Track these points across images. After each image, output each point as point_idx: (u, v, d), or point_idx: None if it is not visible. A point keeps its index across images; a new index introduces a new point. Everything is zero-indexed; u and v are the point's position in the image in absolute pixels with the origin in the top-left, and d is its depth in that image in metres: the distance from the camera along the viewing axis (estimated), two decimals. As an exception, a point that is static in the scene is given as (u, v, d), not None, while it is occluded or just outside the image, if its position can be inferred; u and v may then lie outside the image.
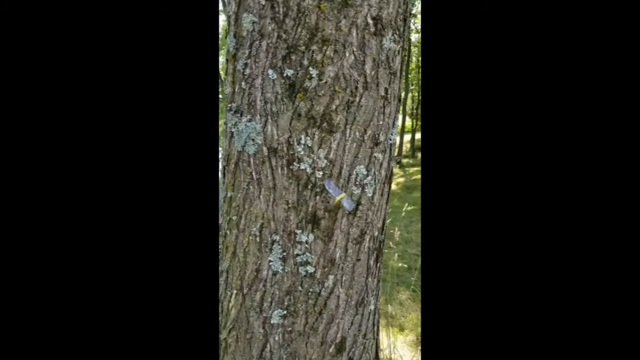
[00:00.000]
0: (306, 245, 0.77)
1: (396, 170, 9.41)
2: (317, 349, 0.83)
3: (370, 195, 0.79)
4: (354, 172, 0.76)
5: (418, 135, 13.96)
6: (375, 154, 0.78)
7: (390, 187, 0.87)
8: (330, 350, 0.84)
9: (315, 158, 0.73)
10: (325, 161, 0.74)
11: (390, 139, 0.82)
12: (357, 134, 0.75)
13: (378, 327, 0.96)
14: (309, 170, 0.74)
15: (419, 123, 15.70)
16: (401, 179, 7.95)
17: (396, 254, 2.59)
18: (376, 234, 0.84)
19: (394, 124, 0.82)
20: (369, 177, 0.78)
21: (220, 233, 0.85)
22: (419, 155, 11.39)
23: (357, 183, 0.77)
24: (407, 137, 11.64)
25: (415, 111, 13.86)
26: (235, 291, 0.81)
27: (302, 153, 0.73)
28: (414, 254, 3.55)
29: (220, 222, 0.87)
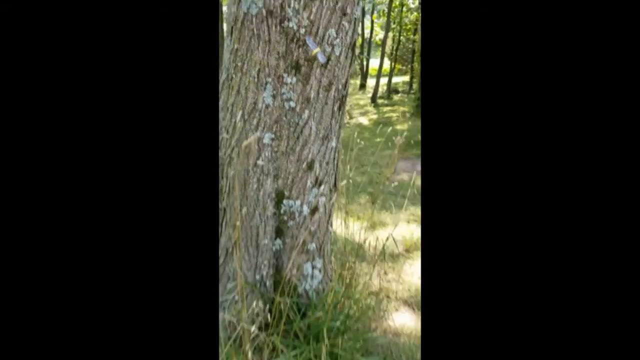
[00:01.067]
0: (290, 86, 1.10)
1: (370, 108, 9.71)
2: (294, 165, 1.20)
3: (337, 54, 1.11)
4: (327, 34, 1.07)
5: (395, 79, 14.06)
6: (343, 23, 1.09)
7: (353, 54, 1.19)
8: (303, 166, 1.21)
9: (300, 18, 1.03)
10: (307, 21, 1.04)
11: (355, 14, 1.12)
12: (331, 3, 1.04)
13: (337, 164, 1.34)
14: (295, 27, 1.04)
15: (397, 66, 15.68)
16: (374, 116, 8.31)
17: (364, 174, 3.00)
18: (340, 87, 1.18)
19: (358, 2, 1.11)
20: (338, 40, 1.09)
21: (225, 77, 1.15)
22: (394, 97, 11.67)
23: (329, 43, 1.08)
24: (384, 80, 11.77)
25: (395, 52, 13.82)
26: (238, 118, 1.15)
27: (291, 14, 1.03)
28: (375, 172, 4.00)
29: (222, 78, 1.17)
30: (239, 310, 1.20)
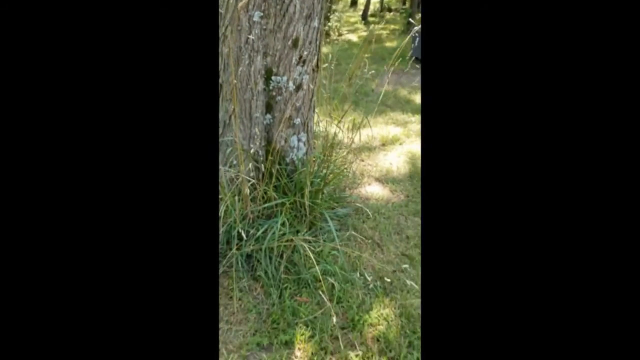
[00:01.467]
0: (276, -37, 1.22)
1: (360, 25, 9.34)
2: (280, 42, 1.37)
3: None
4: None
5: (388, -7, 13.19)
6: None
7: None
8: (289, 44, 1.38)
9: None
10: None
11: None
12: None
13: (319, 45, 1.51)
14: None
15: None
16: (364, 33, 8.06)
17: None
18: (322, -33, 1.30)
19: None
20: None
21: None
22: (386, 15, 11.13)
23: None
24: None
25: (389, -37, 12.74)
26: (230, -5, 1.28)
27: None
28: (361, 84, 4.12)
29: None
30: (238, 170, 1.47)
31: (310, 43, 1.43)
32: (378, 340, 1.16)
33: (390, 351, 1.12)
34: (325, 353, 1.12)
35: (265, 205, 1.48)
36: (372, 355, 1.11)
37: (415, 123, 2.91)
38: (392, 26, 8.94)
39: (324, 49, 6.02)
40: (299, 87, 1.49)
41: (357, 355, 1.11)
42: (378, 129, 2.77)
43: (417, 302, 1.29)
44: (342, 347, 1.14)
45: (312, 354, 1.12)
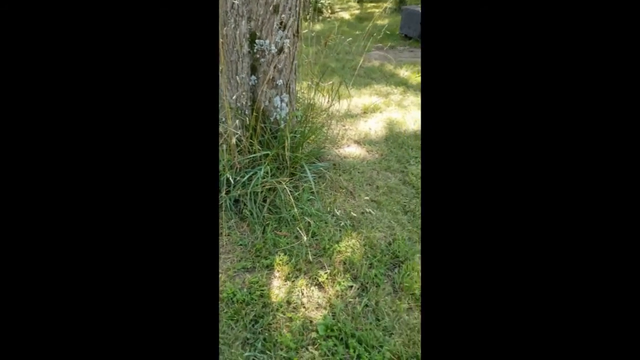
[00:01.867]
0: None
1: (353, 4, 9.32)
2: (263, 8, 1.53)
3: None
4: None
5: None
6: None
7: None
8: (270, 9, 1.54)
9: None
10: None
11: None
12: None
13: (299, 11, 1.66)
14: None
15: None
16: (357, 11, 8.08)
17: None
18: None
19: None
20: None
21: None
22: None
23: None
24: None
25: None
26: (216, -37, 1.43)
27: None
28: (349, 59, 4.25)
29: None
30: (226, 127, 1.64)
31: (289, 9, 1.59)
32: (344, 263, 1.37)
33: (354, 270, 1.34)
34: (300, 272, 1.33)
35: (251, 156, 1.67)
36: (337, 273, 1.32)
37: (397, 94, 3.08)
38: (385, 4, 8.94)
39: (317, 26, 6.08)
40: (280, 50, 1.66)
41: (325, 273, 1.32)
42: (362, 99, 2.94)
43: (380, 234, 1.51)
44: (313, 268, 1.35)
45: (288, 274, 1.33)
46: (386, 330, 1.13)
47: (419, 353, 1.05)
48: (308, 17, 3.42)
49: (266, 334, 1.12)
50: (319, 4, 7.10)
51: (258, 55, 1.64)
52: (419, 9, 5.02)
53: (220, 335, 1.13)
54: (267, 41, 1.61)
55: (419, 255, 1.40)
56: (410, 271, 1.32)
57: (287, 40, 1.65)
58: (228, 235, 1.51)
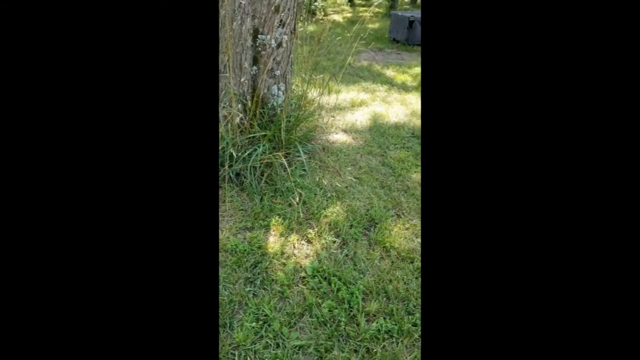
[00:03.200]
0: (263, -55, 1.61)
1: (346, 7, 9.64)
2: (266, 7, 1.78)
3: None
4: None
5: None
6: None
7: None
8: (272, 9, 1.79)
9: None
10: None
11: None
12: None
13: (296, 12, 1.92)
14: None
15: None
16: (349, 15, 8.40)
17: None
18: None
19: None
20: None
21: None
22: (373, 0, 11.41)
23: None
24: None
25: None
26: (227, -32, 1.67)
27: None
28: (340, 58, 4.53)
29: None
30: (230, 109, 1.88)
31: (288, 10, 1.84)
32: (329, 224, 1.63)
33: (337, 229, 1.60)
34: (292, 231, 1.59)
35: (250, 135, 1.91)
36: (323, 231, 1.58)
37: (382, 91, 3.36)
38: (377, 9, 9.28)
39: (310, 27, 6.34)
40: (279, 45, 1.91)
41: (313, 231, 1.58)
42: (350, 94, 3.21)
43: (360, 203, 1.78)
44: (303, 227, 1.60)
45: (282, 232, 1.58)
46: (361, 272, 1.39)
47: (387, 288, 1.32)
48: (302, 18, 3.69)
49: (264, 275, 1.37)
50: (313, 7, 7.38)
51: (260, 49, 1.89)
52: (407, 14, 5.33)
53: (224, 276, 1.37)
54: (268, 36, 1.86)
55: (391, 218, 1.67)
56: (383, 230, 1.59)
57: (285, 37, 1.91)
58: (230, 202, 1.76)
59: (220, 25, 1.84)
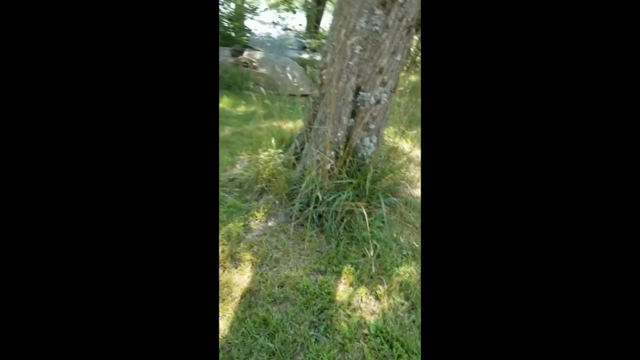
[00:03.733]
0: (377, 16, 1.78)
1: (452, 57, 9.63)
2: (370, 69, 1.93)
3: (410, -2, 1.75)
4: (406, -16, 1.71)
5: None
6: (418, -23, 1.71)
7: (421, -1, 1.82)
8: (376, 70, 1.93)
9: (391, -27, 1.68)
10: (395, -25, 1.68)
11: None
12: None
13: (399, 73, 2.02)
14: (387, -22, 1.69)
15: None
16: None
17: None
18: (410, 19, 1.83)
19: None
20: (412, -12, 1.73)
21: (337, 7, 1.86)
22: None
23: (406, -10, 1.72)
24: None
25: None
26: (342, 35, 1.88)
27: (385, -30, 1.67)
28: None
29: (335, 8, 1.87)
30: (323, 155, 2.04)
31: (392, 71, 1.97)
32: (401, 284, 1.61)
33: (408, 291, 1.58)
34: (362, 283, 1.61)
35: (337, 181, 2.03)
36: (393, 290, 1.57)
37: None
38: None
39: (412, 78, 6.48)
40: (378, 102, 2.03)
41: (383, 288, 1.58)
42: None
43: (437, 269, 1.72)
44: (374, 282, 1.62)
45: (352, 282, 1.62)
46: (427, 344, 1.34)
47: (452, 369, 1.24)
48: (405, 68, 3.82)
49: (328, 322, 1.41)
50: (419, 58, 7.52)
51: (359, 104, 2.04)
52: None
53: (292, 315, 1.45)
54: (369, 94, 2.00)
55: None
56: (457, 303, 1.51)
57: (385, 95, 2.02)
58: (309, 242, 1.87)
59: (327, 81, 2.05)
